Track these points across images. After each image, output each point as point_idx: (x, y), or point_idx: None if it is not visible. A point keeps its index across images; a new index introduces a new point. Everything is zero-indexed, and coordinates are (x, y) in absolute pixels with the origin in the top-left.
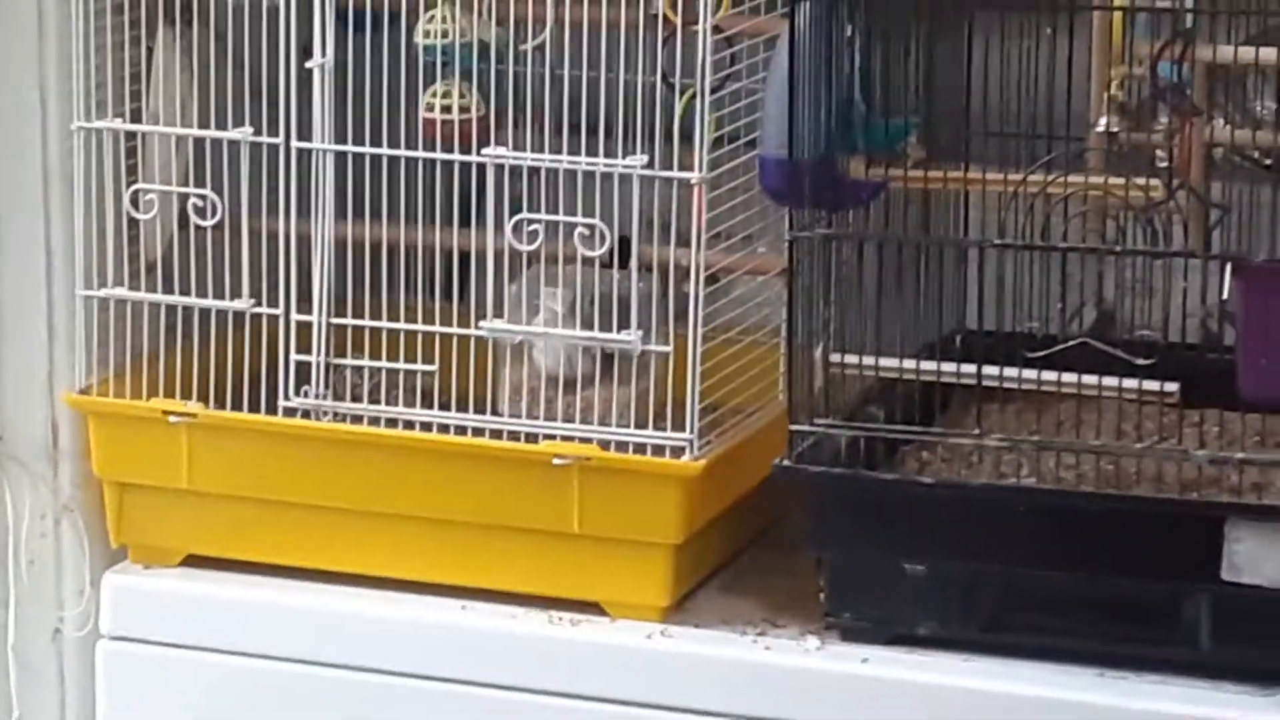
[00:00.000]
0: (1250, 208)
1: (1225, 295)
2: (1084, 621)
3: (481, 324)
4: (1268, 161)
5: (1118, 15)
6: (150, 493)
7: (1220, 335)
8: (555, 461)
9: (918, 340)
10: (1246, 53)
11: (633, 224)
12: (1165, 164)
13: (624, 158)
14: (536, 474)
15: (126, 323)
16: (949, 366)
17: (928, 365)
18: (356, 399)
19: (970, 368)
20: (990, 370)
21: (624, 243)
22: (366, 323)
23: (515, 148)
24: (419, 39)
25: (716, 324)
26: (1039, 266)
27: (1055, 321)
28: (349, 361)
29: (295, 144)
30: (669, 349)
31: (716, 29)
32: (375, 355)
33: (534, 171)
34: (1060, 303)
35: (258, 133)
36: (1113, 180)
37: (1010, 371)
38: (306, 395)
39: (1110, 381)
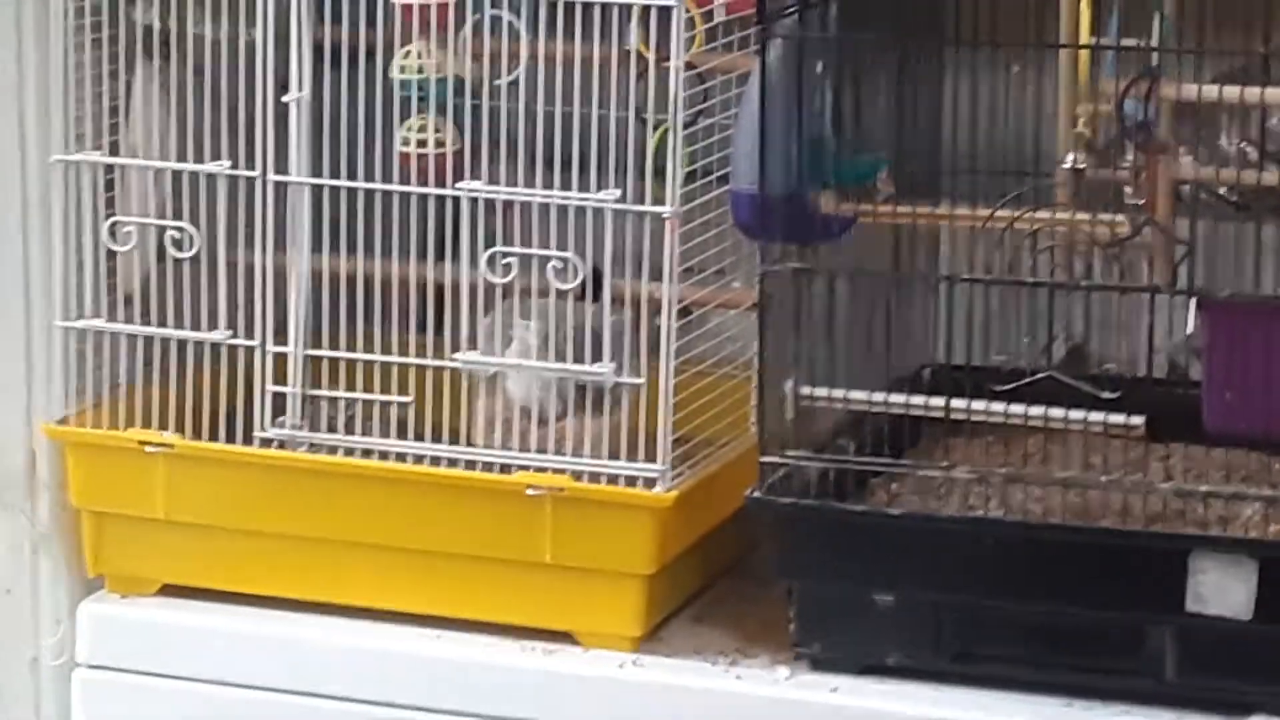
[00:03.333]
0: (1216, 243)
1: (1190, 330)
2: (1051, 652)
3: (456, 356)
4: (1234, 198)
5: (1084, 53)
6: (127, 522)
7: (1186, 370)
8: (528, 492)
9: (888, 374)
10: (1210, 91)
11: (605, 258)
12: (1132, 200)
13: (598, 192)
14: (510, 505)
15: (104, 354)
16: (918, 399)
17: (897, 398)
18: (332, 430)
19: (939, 401)
20: (959, 403)
21: (596, 275)
22: (342, 354)
23: (490, 182)
24: (395, 74)
25: (688, 357)
26: (1009, 302)
27: (1025, 356)
28: (325, 393)
29: (272, 177)
30: (642, 381)
31: (689, 65)
32: (350, 387)
33: (508, 205)
34: (1028, 336)
35: (235, 166)
36: (1080, 215)
37: (978, 405)
38: (282, 426)
39: (1076, 415)
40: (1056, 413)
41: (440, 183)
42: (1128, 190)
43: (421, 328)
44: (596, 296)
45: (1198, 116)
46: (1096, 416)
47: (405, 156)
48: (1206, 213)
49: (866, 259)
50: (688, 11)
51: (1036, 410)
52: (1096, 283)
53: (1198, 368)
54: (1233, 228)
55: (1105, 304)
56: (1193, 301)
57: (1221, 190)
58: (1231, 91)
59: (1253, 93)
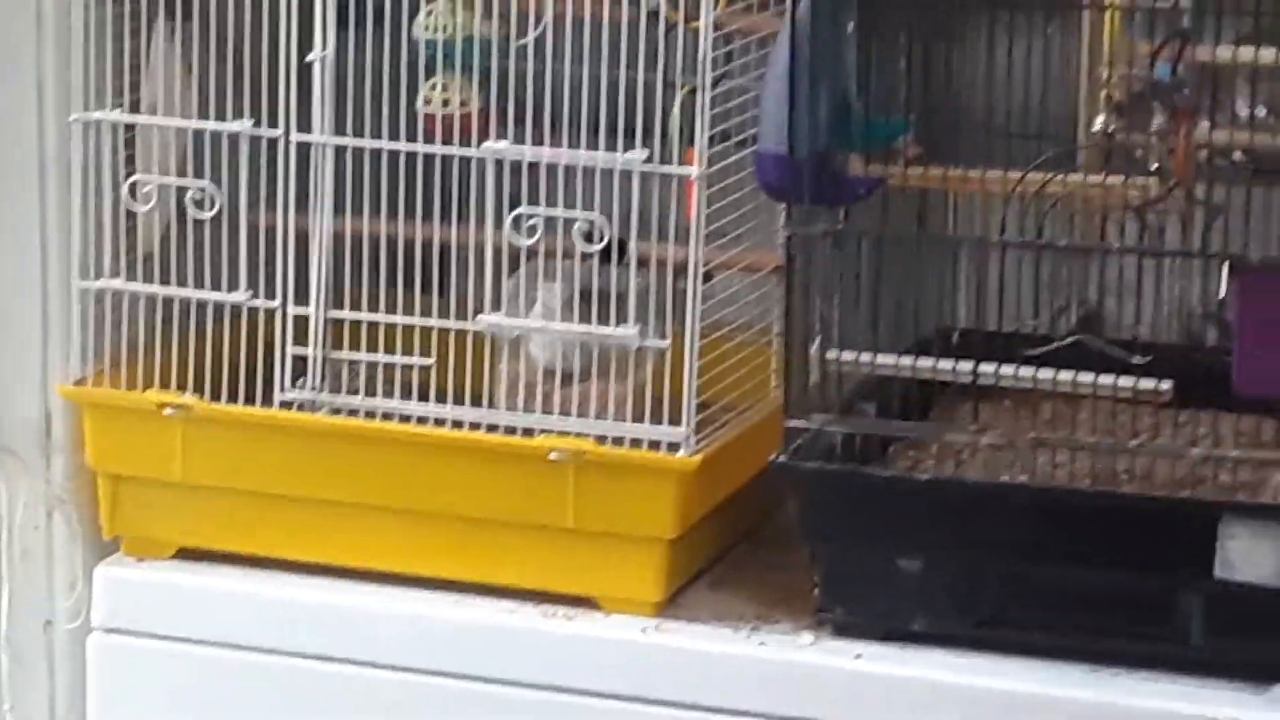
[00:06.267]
0: (1241, 208)
1: (1224, 293)
2: (1077, 618)
3: (479, 318)
4: (1250, 164)
5: (1114, 14)
6: (144, 485)
7: (1205, 336)
8: (551, 456)
9: (905, 338)
10: (1245, 53)
11: (631, 220)
12: (1159, 164)
13: (624, 153)
14: (532, 468)
15: (122, 314)
16: (946, 364)
17: (924, 362)
18: (353, 393)
19: (967, 365)
20: (987, 367)
21: (617, 241)
22: (365, 316)
23: (511, 143)
24: (418, 33)
25: (708, 322)
26: (1028, 266)
27: (1040, 321)
28: (347, 355)
29: (295, 137)
30: (666, 344)
31: (715, 26)
32: (372, 350)
33: (532, 166)
34: (1059, 301)
35: (257, 125)
36: (1110, 179)
37: (1007, 369)
38: (303, 388)
39: (1106, 379)
40: (1086, 377)
41: (463, 143)
42: (1139, 153)
43: (443, 290)
44: (620, 259)
45: (1219, 80)
46: (1126, 381)
47: (428, 117)
48: (1224, 177)
49: (885, 222)
50: None
51: (1066, 375)
52: (1129, 246)
53: (1214, 334)
54: (1260, 193)
55: (1121, 269)
56: (1224, 266)
57: (1238, 155)
58: (1267, 54)
59: None
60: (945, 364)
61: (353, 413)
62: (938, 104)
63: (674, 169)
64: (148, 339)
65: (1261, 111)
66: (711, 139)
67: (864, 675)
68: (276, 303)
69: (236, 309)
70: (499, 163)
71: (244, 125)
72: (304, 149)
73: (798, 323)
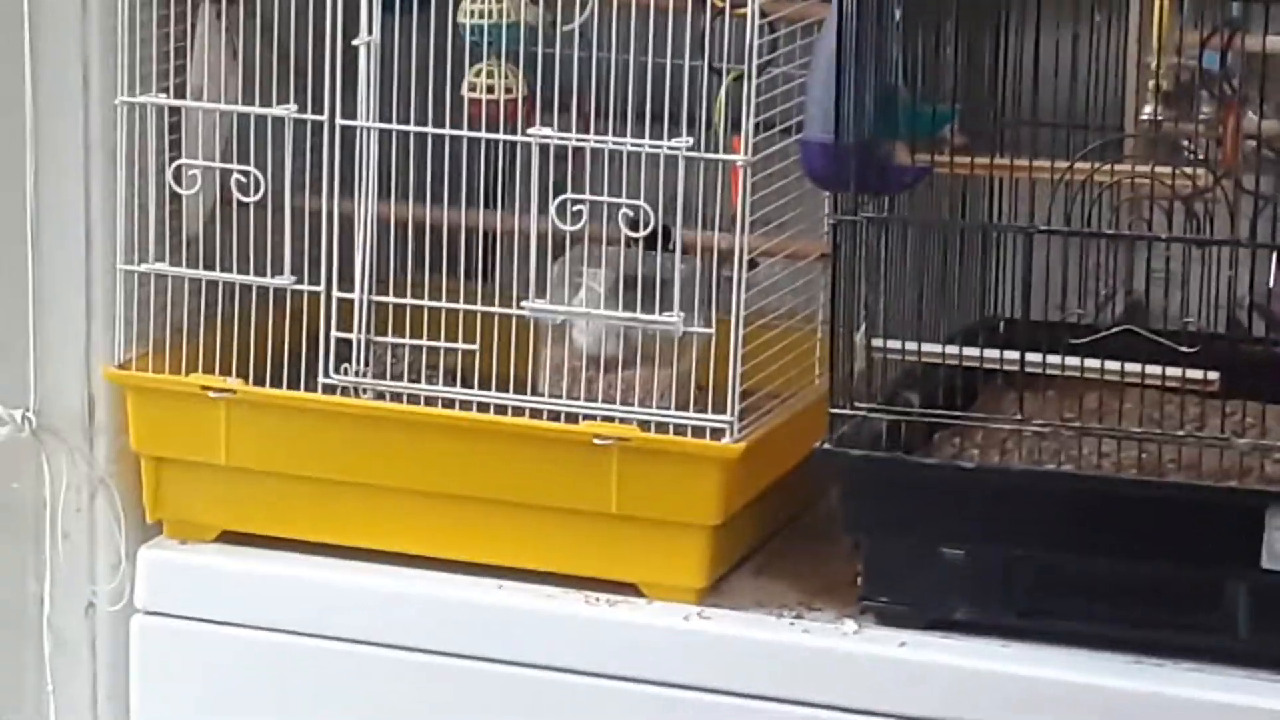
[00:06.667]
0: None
1: (1272, 284)
2: (1121, 608)
3: (524, 304)
4: None
5: (1163, 3)
6: (187, 468)
7: (1252, 326)
8: (595, 442)
9: (949, 327)
10: None
11: (677, 207)
12: (1206, 154)
13: (669, 139)
14: (576, 454)
15: (166, 297)
16: (991, 353)
17: (969, 351)
18: (394, 377)
19: (1013, 354)
20: (1033, 357)
21: (661, 228)
22: (409, 301)
23: (556, 129)
24: (462, 19)
25: (752, 309)
26: (1074, 255)
27: (1086, 309)
28: (391, 340)
29: (340, 122)
30: (710, 331)
31: (760, 13)
32: (415, 335)
33: (575, 153)
34: (1106, 289)
35: (302, 110)
36: (1158, 169)
37: (1053, 358)
38: (346, 373)
39: (1152, 369)
40: (1132, 367)
41: (507, 129)
42: (1187, 143)
43: (487, 275)
44: (665, 245)
45: (1265, 70)
46: (1173, 371)
47: (473, 102)
48: (1272, 167)
49: (927, 211)
50: None
51: (1113, 364)
52: (1176, 236)
53: (1262, 324)
54: None
55: (1167, 259)
56: (1273, 256)
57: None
58: None
59: None
60: (991, 353)
61: (396, 397)
62: (984, 92)
63: (719, 156)
64: (191, 322)
65: None
66: (756, 126)
67: (907, 664)
68: (320, 287)
69: (280, 293)
70: (543, 148)
71: (289, 109)
72: (348, 134)
73: (843, 310)
